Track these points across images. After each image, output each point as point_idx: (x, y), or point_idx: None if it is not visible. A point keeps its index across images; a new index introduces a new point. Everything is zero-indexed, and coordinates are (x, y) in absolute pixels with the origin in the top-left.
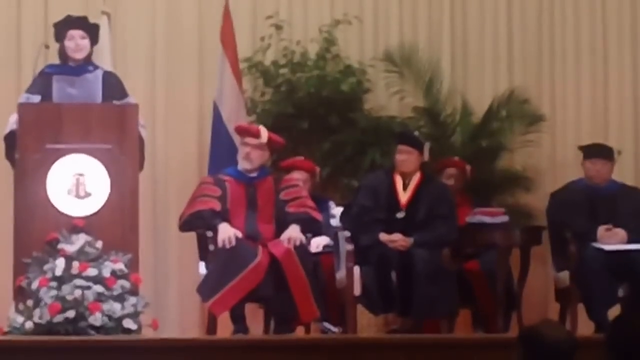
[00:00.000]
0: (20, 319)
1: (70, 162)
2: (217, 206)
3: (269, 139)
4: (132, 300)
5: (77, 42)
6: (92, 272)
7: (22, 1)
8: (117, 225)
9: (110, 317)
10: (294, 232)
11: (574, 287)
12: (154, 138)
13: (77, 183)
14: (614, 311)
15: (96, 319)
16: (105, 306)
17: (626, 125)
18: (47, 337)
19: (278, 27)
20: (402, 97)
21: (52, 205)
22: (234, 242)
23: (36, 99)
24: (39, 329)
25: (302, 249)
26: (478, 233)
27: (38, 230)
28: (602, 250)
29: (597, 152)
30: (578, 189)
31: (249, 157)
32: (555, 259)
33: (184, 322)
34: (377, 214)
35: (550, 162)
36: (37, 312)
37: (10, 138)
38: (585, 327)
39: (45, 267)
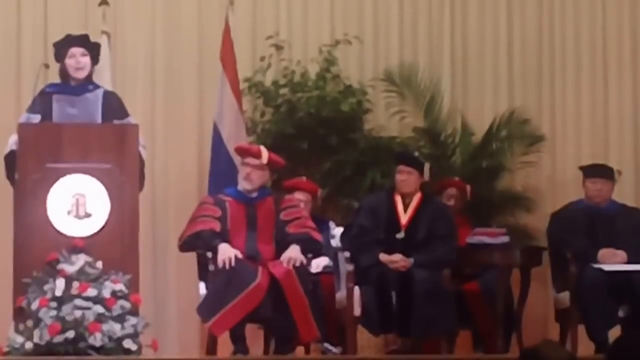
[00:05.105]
0: (20, 339)
1: (70, 182)
2: (217, 227)
3: (270, 160)
4: (132, 320)
5: (78, 60)
6: (92, 292)
7: (22, 21)
8: (117, 246)
9: (110, 338)
10: (294, 253)
11: (574, 308)
12: (154, 158)
13: (77, 203)
14: (615, 332)
15: (96, 339)
16: (105, 326)
17: (626, 145)
18: (47, 358)
19: (278, 47)
20: (402, 117)
21: (52, 226)
22: (234, 263)
23: (36, 118)
24: (38, 349)
25: (302, 270)
26: (478, 253)
27: (38, 251)
28: (602, 270)
29: (598, 172)
30: (578, 209)
31: (250, 178)
32: (556, 279)
33: (183, 343)
34: (377, 235)
35: (550, 182)
36: (37, 332)
37: (11, 158)
38: (585, 347)
39: (45, 287)
